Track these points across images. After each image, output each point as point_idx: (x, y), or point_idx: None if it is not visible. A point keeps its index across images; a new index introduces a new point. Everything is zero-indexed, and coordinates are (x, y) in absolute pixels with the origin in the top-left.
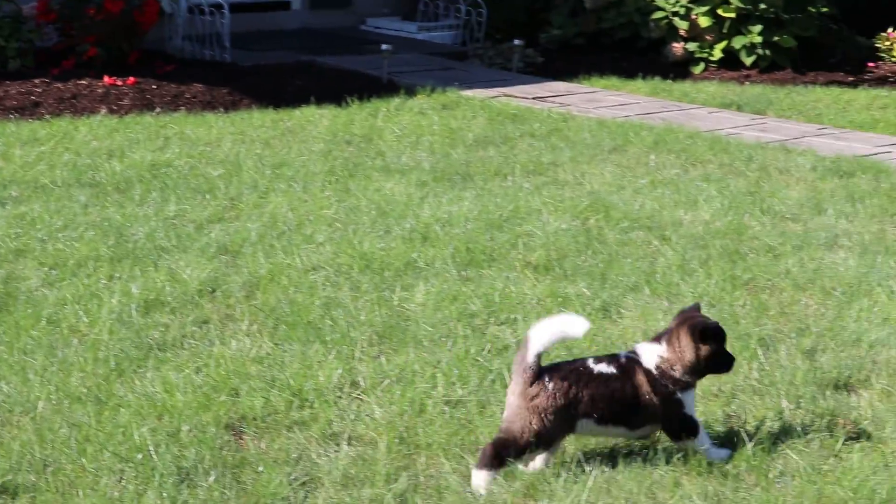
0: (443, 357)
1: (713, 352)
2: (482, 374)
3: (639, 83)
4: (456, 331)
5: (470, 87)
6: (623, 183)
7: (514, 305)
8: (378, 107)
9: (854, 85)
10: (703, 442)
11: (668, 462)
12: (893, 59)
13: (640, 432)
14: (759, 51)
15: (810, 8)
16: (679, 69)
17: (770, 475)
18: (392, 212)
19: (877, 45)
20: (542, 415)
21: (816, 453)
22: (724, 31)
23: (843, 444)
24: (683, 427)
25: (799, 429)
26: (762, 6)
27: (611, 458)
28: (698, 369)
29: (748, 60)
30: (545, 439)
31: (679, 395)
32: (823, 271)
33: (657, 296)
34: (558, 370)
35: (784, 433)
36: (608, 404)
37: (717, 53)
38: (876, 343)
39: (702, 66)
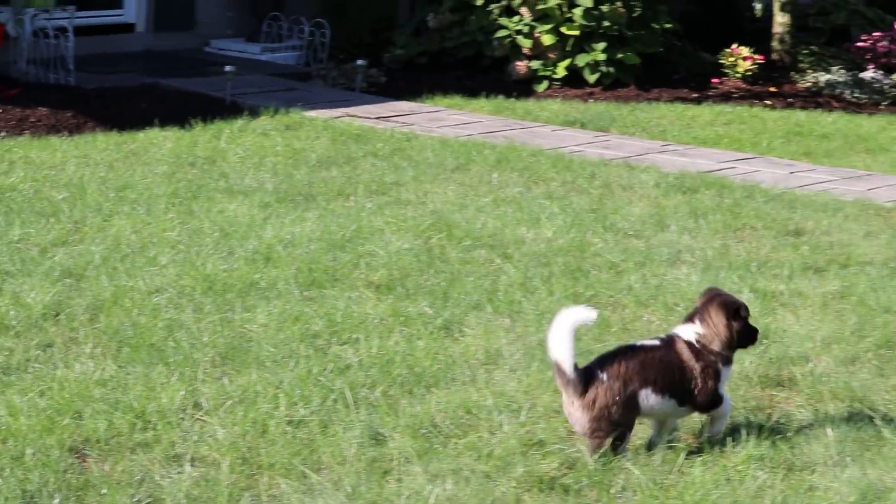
0: (285, 377)
1: (743, 327)
2: (324, 394)
3: (482, 102)
4: (298, 351)
5: (313, 108)
6: (466, 201)
7: (356, 325)
8: (221, 128)
9: (698, 101)
10: (725, 412)
11: (510, 478)
12: (737, 75)
13: (686, 410)
14: (603, 68)
15: (654, 24)
16: (523, 87)
17: (612, 490)
18: (235, 233)
19: (721, 61)
20: (610, 410)
21: (658, 468)
22: (568, 48)
23: (685, 458)
24: (713, 400)
25: (641, 444)
26: (606, 24)
27: (454, 474)
28: (732, 344)
29: (592, 78)
30: (625, 426)
31: (720, 366)
32: (666, 287)
33: (499, 314)
34: (604, 360)
35: (627, 449)
36: (659, 373)
37: (561, 71)
38: None
39: (545, 84)
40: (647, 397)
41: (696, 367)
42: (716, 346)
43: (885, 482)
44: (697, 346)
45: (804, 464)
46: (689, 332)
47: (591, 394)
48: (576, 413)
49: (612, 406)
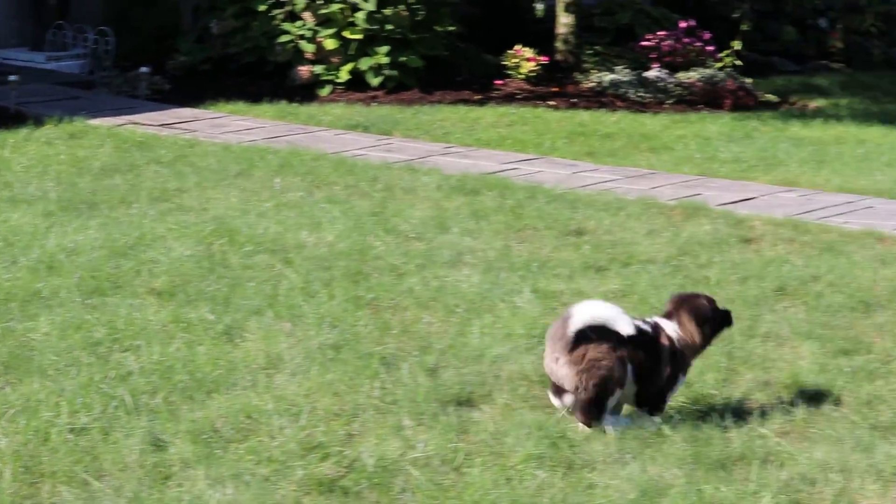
0: (67, 385)
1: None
2: (106, 401)
3: (265, 107)
4: (80, 359)
5: (97, 116)
6: (248, 207)
7: (138, 332)
8: (6, 138)
9: (481, 103)
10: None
11: (290, 482)
12: (521, 76)
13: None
14: (386, 71)
15: (437, 27)
16: (306, 92)
17: (392, 492)
18: (18, 242)
19: (504, 62)
20: (601, 363)
21: (438, 469)
22: (351, 52)
23: (465, 458)
24: (660, 399)
25: (420, 445)
26: (389, 27)
27: (234, 478)
28: (706, 345)
29: (375, 81)
30: (618, 381)
31: (687, 368)
32: (447, 289)
33: (280, 318)
34: (593, 329)
35: (406, 450)
36: (640, 354)
37: (344, 75)
38: (498, 358)
39: (329, 88)
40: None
41: (670, 361)
42: (689, 350)
43: (665, 479)
44: (678, 344)
45: (584, 462)
46: (670, 327)
47: (579, 350)
48: (565, 371)
49: (605, 359)
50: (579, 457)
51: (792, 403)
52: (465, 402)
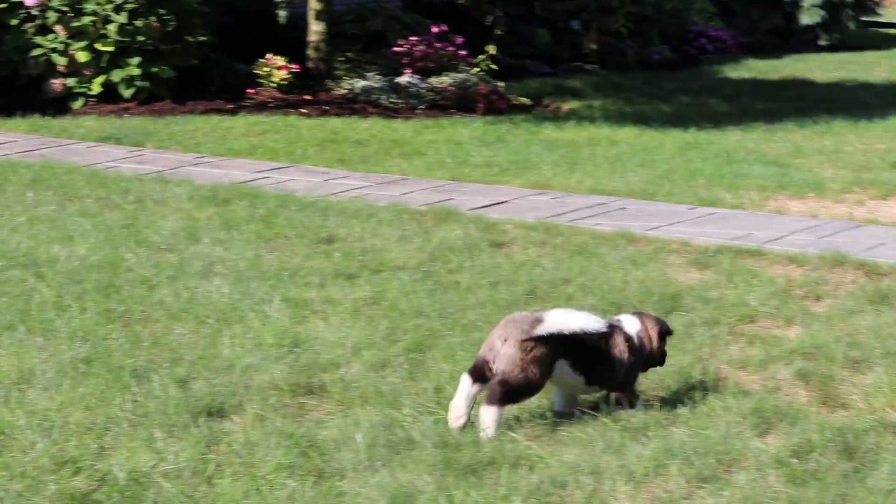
0: None
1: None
2: None
3: (18, 121)
4: None
5: None
6: (0, 222)
7: None
8: None
9: (234, 112)
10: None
11: (42, 497)
12: (273, 85)
13: (592, 389)
14: (138, 83)
15: (189, 37)
16: (59, 105)
17: None
18: None
19: (256, 71)
20: (539, 363)
21: (189, 480)
22: (103, 65)
23: (216, 469)
24: (633, 394)
25: (171, 457)
26: (140, 38)
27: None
28: (652, 360)
29: (127, 93)
30: (539, 385)
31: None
32: (198, 300)
33: (32, 333)
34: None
35: (158, 462)
36: (585, 354)
37: (97, 88)
38: (249, 368)
39: (81, 100)
40: (563, 367)
41: (627, 359)
42: (645, 350)
43: (415, 485)
44: (636, 340)
45: (335, 470)
46: (633, 324)
47: (531, 341)
48: (511, 351)
49: (542, 361)
50: (329, 465)
51: (542, 407)
52: (216, 412)
